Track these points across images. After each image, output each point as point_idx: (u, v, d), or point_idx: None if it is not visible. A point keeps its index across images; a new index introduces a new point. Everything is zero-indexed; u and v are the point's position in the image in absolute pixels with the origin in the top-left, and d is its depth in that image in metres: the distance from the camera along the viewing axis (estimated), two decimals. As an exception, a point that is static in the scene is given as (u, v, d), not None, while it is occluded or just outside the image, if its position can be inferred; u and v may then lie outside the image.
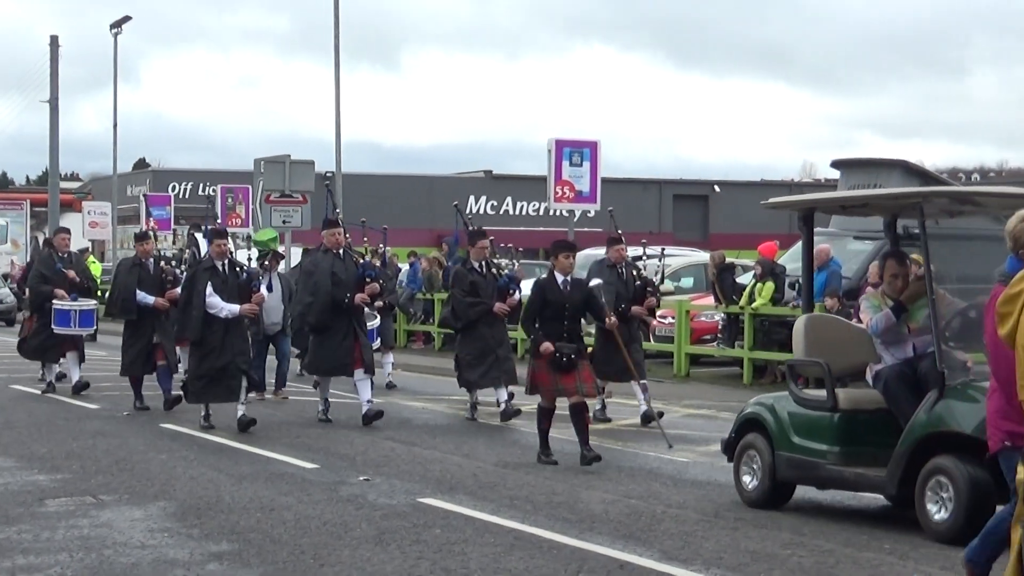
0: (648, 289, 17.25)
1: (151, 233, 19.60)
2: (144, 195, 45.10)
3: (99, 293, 23.60)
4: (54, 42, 50.33)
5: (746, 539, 10.11)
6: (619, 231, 17.68)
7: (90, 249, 43.67)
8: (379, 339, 19.78)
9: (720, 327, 24.71)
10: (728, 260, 25.34)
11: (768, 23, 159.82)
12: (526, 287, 17.90)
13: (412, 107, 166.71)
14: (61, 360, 20.49)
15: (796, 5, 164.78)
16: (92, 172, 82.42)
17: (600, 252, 20.33)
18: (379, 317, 20.70)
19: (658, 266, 19.59)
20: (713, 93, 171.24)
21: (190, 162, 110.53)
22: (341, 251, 16.88)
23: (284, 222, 28.31)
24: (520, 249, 25.57)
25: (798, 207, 12.46)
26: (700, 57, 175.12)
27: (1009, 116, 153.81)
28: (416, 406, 19.46)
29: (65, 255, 20.15)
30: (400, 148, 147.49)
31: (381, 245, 21.73)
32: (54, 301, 19.47)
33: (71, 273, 19.85)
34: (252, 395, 17.14)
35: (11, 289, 40.11)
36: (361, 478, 12.68)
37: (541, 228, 57.30)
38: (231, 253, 16.67)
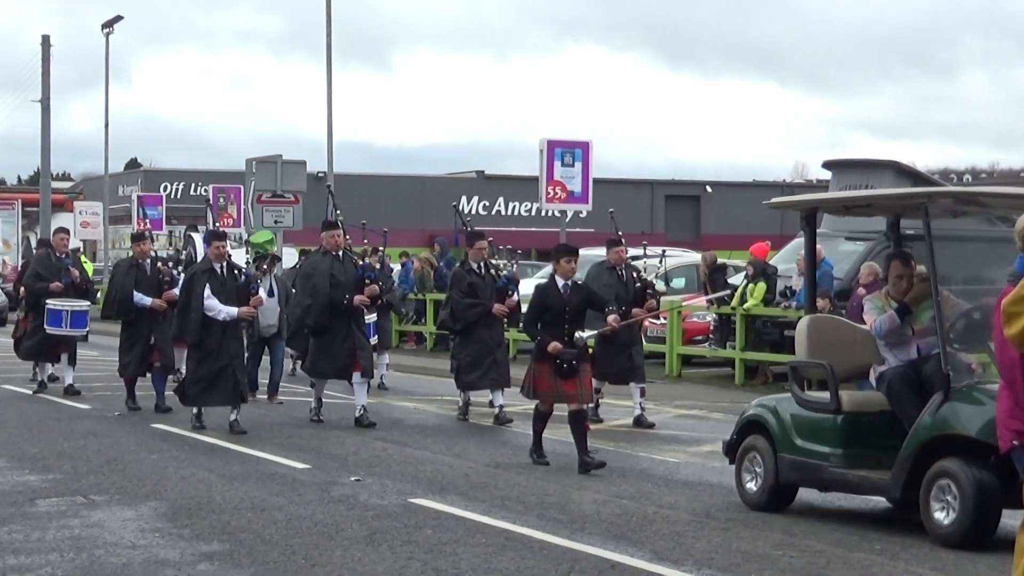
0: (648, 291, 17.21)
1: (148, 233, 19.54)
2: (137, 196, 45.19)
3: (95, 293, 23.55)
4: (46, 42, 50.27)
5: (737, 539, 10.12)
6: (619, 233, 17.61)
7: (82, 249, 43.65)
8: (376, 336, 19.68)
9: (712, 328, 24.73)
10: (720, 261, 25.36)
11: (759, 24, 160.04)
12: (524, 288, 17.92)
13: (404, 107, 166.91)
14: (55, 364, 20.45)
15: (787, 6, 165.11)
16: (84, 172, 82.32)
17: (594, 252, 20.34)
18: (375, 314, 20.63)
19: (659, 268, 19.58)
20: (705, 94, 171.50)
21: (182, 162, 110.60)
22: (340, 253, 16.84)
23: (276, 222, 28.29)
24: (519, 251, 25.50)
25: (801, 207, 12.36)
26: (691, 58, 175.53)
27: (1000, 117, 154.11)
28: (408, 406, 19.45)
29: (63, 255, 20.10)
30: (392, 148, 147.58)
31: (380, 248, 21.69)
32: (47, 301, 19.41)
33: (75, 273, 19.81)
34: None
35: (2, 289, 40.04)
36: (352, 478, 12.67)
37: (533, 228, 57.30)
38: (229, 255, 16.64)
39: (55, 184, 58.63)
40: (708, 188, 67.28)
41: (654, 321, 23.86)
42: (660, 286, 22.35)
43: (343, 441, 15.37)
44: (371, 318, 19.54)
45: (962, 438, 9.89)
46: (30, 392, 20.20)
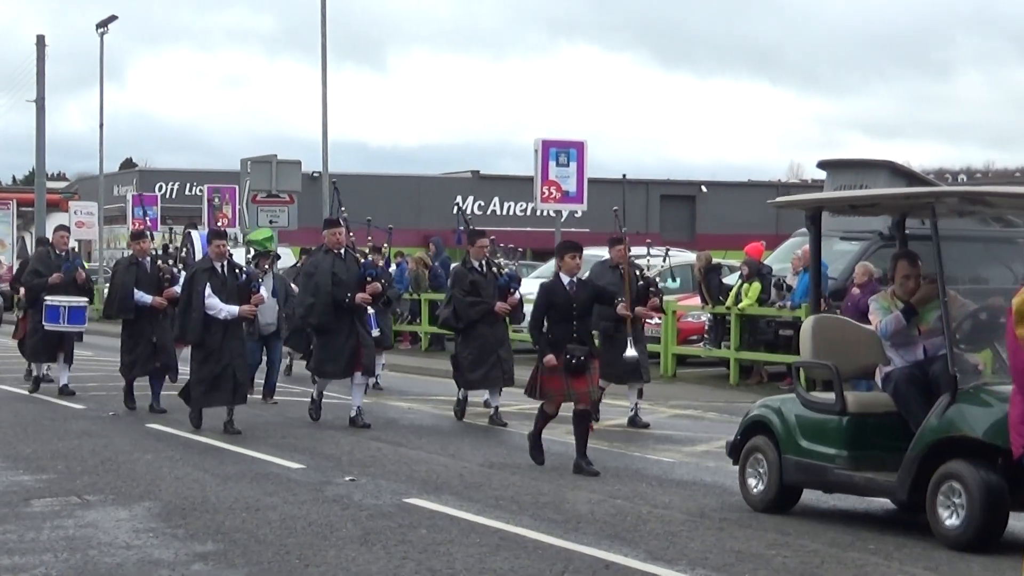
0: (651, 289, 17.18)
1: (147, 232, 19.50)
2: (132, 195, 45.14)
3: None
4: (40, 41, 50.22)
5: (731, 539, 10.13)
6: (623, 230, 17.55)
7: (77, 249, 43.55)
8: (378, 328, 19.62)
9: (706, 328, 24.73)
10: (715, 261, 25.37)
11: (754, 24, 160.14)
12: (524, 286, 17.90)
13: (398, 107, 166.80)
14: (52, 365, 20.43)
15: (782, 6, 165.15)
16: (79, 172, 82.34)
17: (593, 252, 20.32)
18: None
19: (662, 266, 19.55)
20: (699, 93, 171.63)
21: (176, 162, 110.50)
22: (342, 251, 16.81)
23: (271, 222, 28.27)
24: (521, 249, 25.50)
25: (806, 206, 12.31)
26: (686, 58, 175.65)
27: (995, 117, 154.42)
28: (403, 406, 19.45)
29: (63, 253, 20.07)
30: (387, 148, 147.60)
31: (384, 245, 21.64)
32: (46, 297, 19.35)
33: (82, 274, 19.75)
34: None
35: (-2, 289, 40.00)
36: (347, 478, 12.67)
37: (528, 228, 57.33)
38: (229, 254, 16.62)
39: (50, 184, 58.55)
40: (703, 188, 67.36)
41: (650, 321, 23.87)
42: (670, 283, 22.41)
43: (338, 441, 15.36)
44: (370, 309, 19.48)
45: (969, 440, 9.81)
46: (25, 392, 20.19)
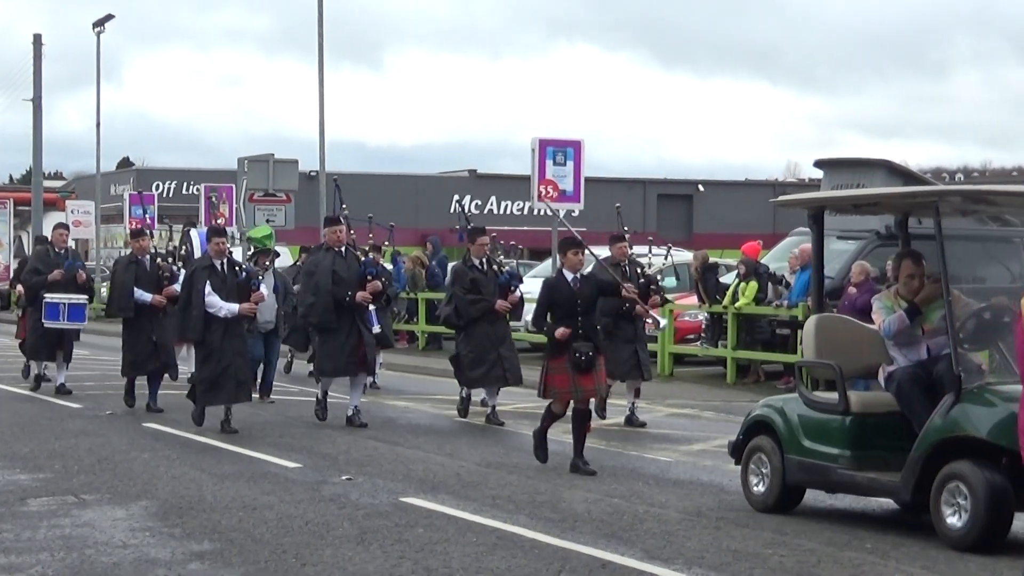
0: (652, 287, 17.18)
1: (147, 229, 19.48)
2: (131, 194, 45.11)
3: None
4: (37, 40, 50.17)
5: (728, 538, 10.13)
6: (625, 228, 17.53)
7: (74, 247, 43.50)
8: (379, 325, 19.62)
9: (703, 327, 24.74)
10: (712, 260, 25.37)
11: (752, 23, 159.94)
12: (524, 285, 17.89)
13: (396, 106, 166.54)
14: (50, 364, 20.42)
15: (780, 6, 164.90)
16: (75, 171, 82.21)
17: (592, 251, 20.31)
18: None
19: (664, 264, 19.53)
20: (697, 93, 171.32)
21: (173, 161, 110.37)
22: (343, 249, 16.80)
23: (268, 221, 28.23)
24: (521, 247, 25.47)
25: (809, 205, 12.27)
26: (684, 57, 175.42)
27: (992, 116, 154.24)
28: (399, 405, 19.45)
29: (62, 251, 20.05)
30: (384, 147, 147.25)
31: (385, 243, 21.60)
32: (45, 295, 19.33)
33: (83, 275, 19.73)
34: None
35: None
36: (343, 477, 12.67)
37: (526, 227, 57.30)
38: (229, 252, 16.60)
39: (47, 183, 58.49)
40: (700, 187, 67.36)
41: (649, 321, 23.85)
42: (672, 282, 22.40)
43: (334, 440, 15.36)
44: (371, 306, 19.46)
45: (974, 440, 9.77)
46: (21, 391, 20.18)
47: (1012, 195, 11.32)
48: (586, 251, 13.96)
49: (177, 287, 17.28)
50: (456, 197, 55.96)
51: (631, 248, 17.45)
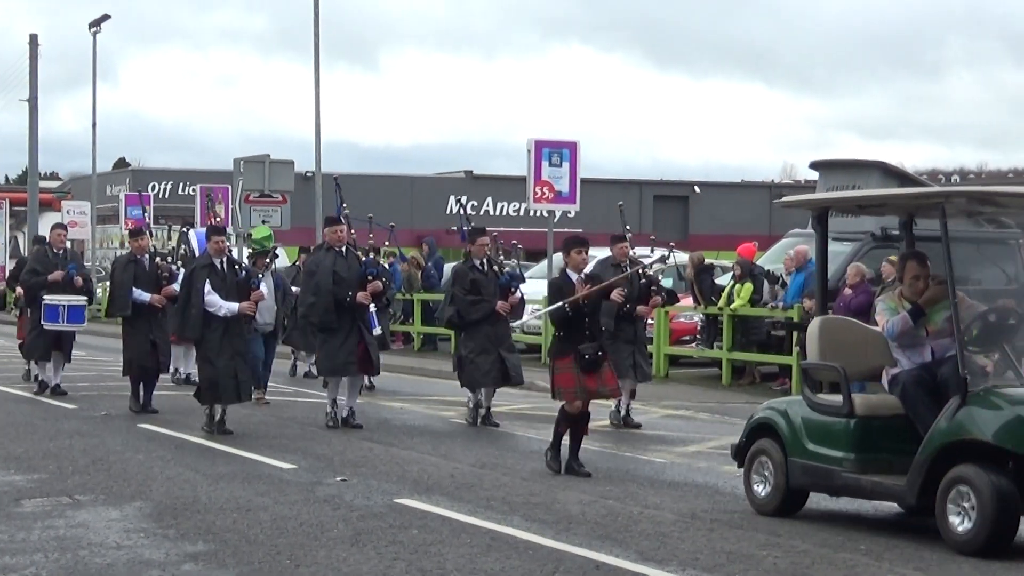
0: (653, 288, 17.17)
1: (145, 229, 19.45)
2: (128, 195, 45.10)
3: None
4: (33, 41, 50.15)
5: (722, 540, 10.13)
6: (627, 228, 17.49)
7: (71, 247, 43.48)
8: (379, 327, 19.62)
9: (699, 328, 24.75)
10: (707, 261, 25.39)
11: (748, 24, 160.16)
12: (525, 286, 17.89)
13: (391, 107, 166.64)
14: (47, 364, 20.38)
15: (776, 7, 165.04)
16: (71, 171, 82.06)
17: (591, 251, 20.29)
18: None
19: (665, 265, 19.51)
20: (693, 94, 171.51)
21: (169, 162, 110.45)
22: (343, 249, 16.78)
23: (264, 222, 28.22)
24: (520, 246, 25.45)
25: (813, 206, 12.22)
26: (679, 58, 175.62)
27: (988, 118, 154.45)
28: (395, 406, 19.44)
29: (61, 251, 20.02)
30: (379, 148, 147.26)
31: (386, 243, 21.55)
32: (44, 296, 19.29)
33: (79, 280, 19.67)
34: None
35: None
36: (338, 478, 12.67)
37: (522, 228, 57.28)
38: (229, 250, 16.57)
39: (43, 183, 58.51)
40: (696, 188, 67.35)
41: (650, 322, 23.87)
42: (670, 282, 22.38)
43: (329, 441, 15.35)
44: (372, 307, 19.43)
45: (979, 443, 9.72)
46: (16, 392, 20.15)
47: (1019, 197, 11.24)
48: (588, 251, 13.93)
49: (176, 287, 17.26)
50: (454, 198, 55.94)
51: (632, 248, 17.46)
